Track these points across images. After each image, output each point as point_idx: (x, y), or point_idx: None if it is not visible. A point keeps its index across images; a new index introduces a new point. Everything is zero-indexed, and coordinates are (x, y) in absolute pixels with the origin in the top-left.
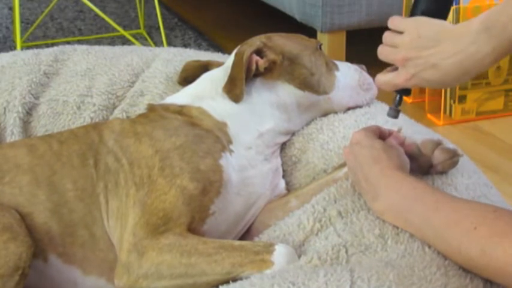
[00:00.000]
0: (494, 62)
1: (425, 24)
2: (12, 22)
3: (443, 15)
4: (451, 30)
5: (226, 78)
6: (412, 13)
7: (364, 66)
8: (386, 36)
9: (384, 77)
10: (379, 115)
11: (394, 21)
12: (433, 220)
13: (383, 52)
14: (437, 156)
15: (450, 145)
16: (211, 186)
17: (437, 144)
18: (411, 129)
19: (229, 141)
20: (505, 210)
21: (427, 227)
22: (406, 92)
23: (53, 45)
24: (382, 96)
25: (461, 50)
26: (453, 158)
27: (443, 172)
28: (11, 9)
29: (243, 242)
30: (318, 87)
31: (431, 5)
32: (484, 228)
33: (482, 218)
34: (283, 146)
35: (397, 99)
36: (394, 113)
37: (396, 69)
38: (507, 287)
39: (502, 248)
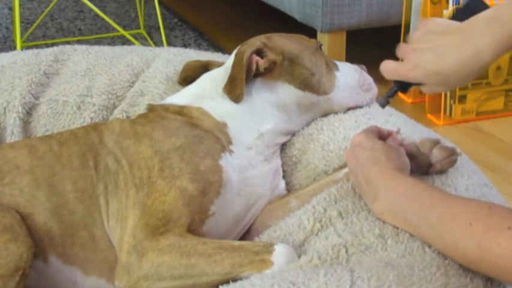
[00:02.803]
0: (493, 57)
1: (438, 21)
2: (12, 22)
3: None
4: (458, 25)
5: (226, 79)
6: None
7: (364, 66)
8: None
9: (389, 64)
10: (379, 115)
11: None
12: (429, 218)
13: (399, 48)
14: (436, 155)
15: (449, 144)
16: (211, 186)
17: (436, 143)
18: (411, 129)
19: (229, 142)
20: (500, 206)
21: (424, 225)
22: (403, 87)
23: (53, 45)
24: None
25: (463, 41)
26: (452, 156)
27: (442, 171)
28: (11, 9)
29: (243, 242)
30: (318, 88)
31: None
32: (479, 223)
33: (478, 213)
34: (283, 147)
35: (393, 91)
36: (384, 101)
37: None
38: (503, 281)
39: (497, 242)
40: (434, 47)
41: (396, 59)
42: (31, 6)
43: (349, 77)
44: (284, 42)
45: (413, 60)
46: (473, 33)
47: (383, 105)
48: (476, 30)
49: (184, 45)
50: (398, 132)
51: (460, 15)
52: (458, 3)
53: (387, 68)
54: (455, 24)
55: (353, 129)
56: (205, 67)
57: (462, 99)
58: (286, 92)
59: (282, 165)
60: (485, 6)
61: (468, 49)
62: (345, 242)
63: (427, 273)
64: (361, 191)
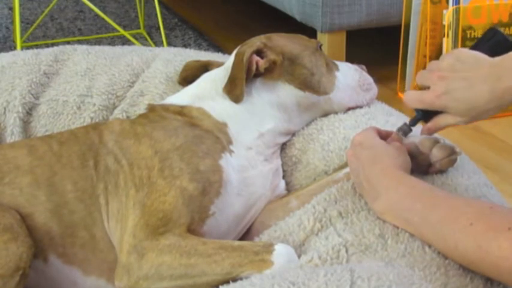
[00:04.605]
0: None
1: (466, 52)
2: (12, 22)
3: None
4: (489, 59)
5: (226, 79)
6: None
7: (364, 66)
8: (428, 64)
9: (414, 92)
10: (379, 115)
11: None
12: (430, 218)
13: (418, 75)
14: (436, 154)
15: (448, 143)
16: (211, 186)
17: (435, 142)
18: None
19: (230, 142)
20: (501, 206)
21: (425, 225)
22: (426, 116)
23: (53, 45)
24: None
25: (496, 75)
26: (451, 155)
27: (442, 171)
28: (11, 9)
29: (243, 242)
30: (319, 88)
31: (488, 50)
32: (480, 224)
33: (479, 214)
34: (283, 147)
35: (415, 119)
36: (407, 130)
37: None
38: (503, 282)
39: (497, 243)
40: (466, 77)
41: (396, 59)
42: (31, 6)
43: (349, 77)
44: (284, 42)
45: (442, 87)
46: (507, 69)
47: (405, 134)
48: (509, 66)
49: (184, 45)
50: (398, 132)
51: (480, 46)
52: (458, 3)
53: (411, 96)
54: (485, 57)
55: (353, 129)
56: (205, 67)
57: None
58: (286, 92)
59: (282, 165)
60: (506, 39)
61: (502, 83)
62: (345, 242)
63: (427, 273)
64: (362, 190)
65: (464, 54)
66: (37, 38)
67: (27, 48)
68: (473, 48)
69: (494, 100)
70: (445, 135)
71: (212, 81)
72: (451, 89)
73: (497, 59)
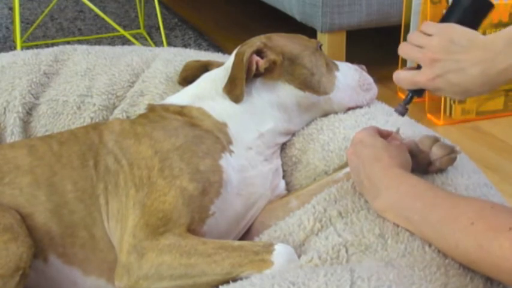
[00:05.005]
0: None
1: (459, 30)
2: (12, 22)
3: (475, 27)
4: (482, 39)
5: (226, 79)
6: (445, 20)
7: (364, 66)
8: (412, 35)
9: (405, 73)
10: (379, 115)
11: (425, 25)
12: (431, 217)
13: (404, 49)
14: (435, 153)
15: (448, 142)
16: (211, 186)
17: (435, 140)
18: (411, 130)
19: (229, 142)
20: (502, 206)
21: (425, 224)
22: (419, 93)
23: (53, 45)
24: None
25: (489, 58)
26: (451, 154)
27: (441, 169)
28: (11, 9)
29: (243, 242)
30: (319, 88)
31: (467, 15)
32: (481, 223)
33: (480, 213)
34: (283, 147)
35: (409, 97)
36: (403, 110)
37: (418, 69)
38: (503, 282)
39: (498, 243)
40: (458, 60)
41: (396, 59)
42: (31, 6)
43: (349, 77)
44: (284, 42)
45: (435, 70)
46: (499, 51)
47: (402, 114)
48: (501, 48)
49: (184, 45)
50: (398, 131)
51: (463, 12)
52: None
53: (402, 77)
54: (477, 36)
55: (353, 129)
56: (205, 67)
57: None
58: (286, 92)
59: (282, 165)
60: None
61: (495, 67)
62: (345, 242)
63: (427, 273)
64: (362, 188)
65: (457, 35)
66: (37, 38)
67: (27, 48)
68: (453, 14)
69: (487, 83)
70: (444, 135)
71: (212, 81)
72: (444, 72)
73: (489, 40)
